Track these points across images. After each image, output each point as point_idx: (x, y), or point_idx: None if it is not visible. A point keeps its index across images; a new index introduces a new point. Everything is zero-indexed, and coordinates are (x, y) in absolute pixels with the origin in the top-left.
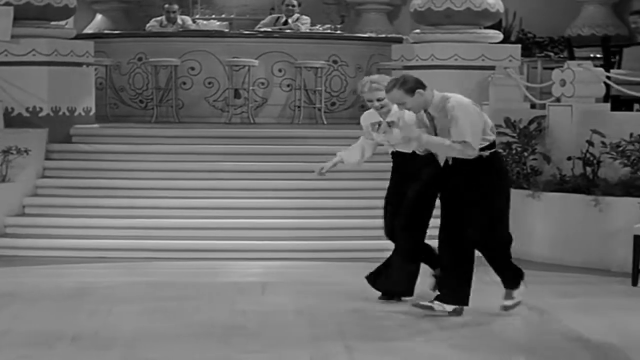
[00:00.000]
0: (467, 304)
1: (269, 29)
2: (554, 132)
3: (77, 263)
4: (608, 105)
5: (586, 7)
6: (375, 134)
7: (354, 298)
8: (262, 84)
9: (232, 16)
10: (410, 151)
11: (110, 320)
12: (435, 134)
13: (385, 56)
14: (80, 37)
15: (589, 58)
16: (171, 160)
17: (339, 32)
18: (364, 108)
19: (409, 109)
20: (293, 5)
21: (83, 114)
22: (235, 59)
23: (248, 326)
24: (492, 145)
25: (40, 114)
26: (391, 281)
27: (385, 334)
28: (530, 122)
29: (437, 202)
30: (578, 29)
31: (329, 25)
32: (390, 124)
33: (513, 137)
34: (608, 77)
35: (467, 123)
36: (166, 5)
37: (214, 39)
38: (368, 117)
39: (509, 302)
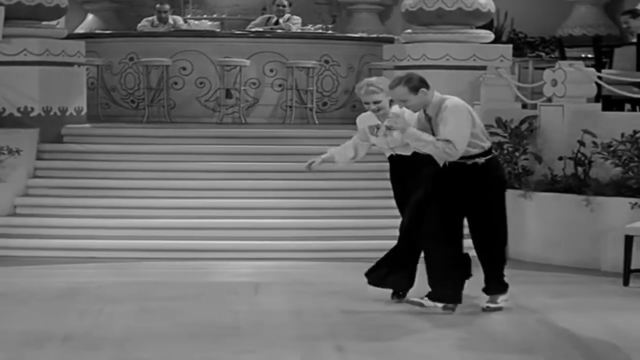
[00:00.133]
0: (459, 302)
1: (261, 29)
2: (546, 132)
3: (68, 263)
4: (599, 105)
5: (577, 7)
6: (374, 138)
7: (347, 298)
8: (254, 84)
9: (223, 16)
10: (409, 154)
11: (101, 320)
12: (432, 134)
13: (376, 56)
14: (72, 37)
15: (580, 58)
16: (163, 160)
17: (330, 32)
18: (356, 108)
19: (409, 107)
20: (284, 6)
21: (74, 114)
22: (227, 59)
23: (240, 326)
24: (487, 152)
25: (32, 114)
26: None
27: (377, 334)
28: (522, 122)
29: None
30: (569, 29)
31: (320, 25)
32: (389, 128)
33: (504, 137)
34: (599, 77)
35: (454, 124)
36: (157, 5)
37: (206, 39)
38: (365, 120)
39: (493, 305)
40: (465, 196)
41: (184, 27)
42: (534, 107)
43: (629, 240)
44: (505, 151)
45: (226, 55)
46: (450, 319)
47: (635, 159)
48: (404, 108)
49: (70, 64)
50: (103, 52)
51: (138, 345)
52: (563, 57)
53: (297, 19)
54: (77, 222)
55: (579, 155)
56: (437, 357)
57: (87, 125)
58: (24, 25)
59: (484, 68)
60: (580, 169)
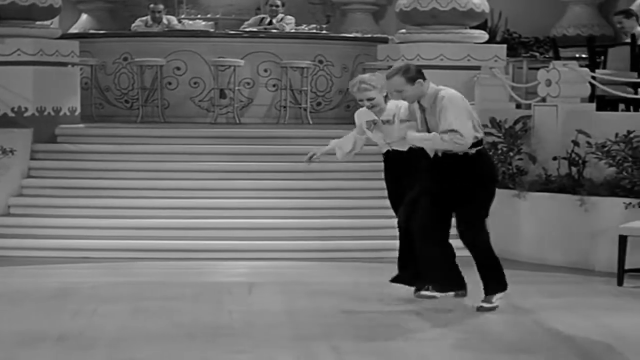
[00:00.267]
0: (464, 288)
1: (255, 29)
2: (540, 132)
3: (62, 263)
4: (593, 105)
5: (571, 8)
6: (371, 133)
7: (342, 298)
8: (248, 84)
9: (217, 16)
10: (406, 149)
11: (95, 321)
12: (426, 126)
13: (371, 56)
14: (66, 37)
15: (574, 58)
16: (157, 160)
17: (324, 32)
18: (350, 108)
19: (405, 98)
20: (277, 6)
21: (68, 113)
22: (221, 59)
23: (235, 326)
24: (479, 143)
25: (26, 114)
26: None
27: (373, 334)
28: (516, 122)
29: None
30: (563, 29)
31: (314, 25)
32: (385, 123)
33: (499, 137)
34: (593, 77)
35: (454, 113)
36: (151, 5)
37: (200, 39)
38: (363, 115)
39: (486, 305)
40: (455, 187)
41: (178, 27)
42: (528, 107)
43: (622, 240)
44: (500, 151)
45: (220, 55)
46: (446, 319)
47: (629, 159)
48: (400, 101)
49: (64, 64)
50: (97, 52)
51: (132, 346)
52: (557, 57)
53: (291, 19)
54: (71, 222)
55: (573, 155)
56: (433, 357)
57: (81, 125)
58: (17, 25)
59: (478, 68)
60: (574, 169)
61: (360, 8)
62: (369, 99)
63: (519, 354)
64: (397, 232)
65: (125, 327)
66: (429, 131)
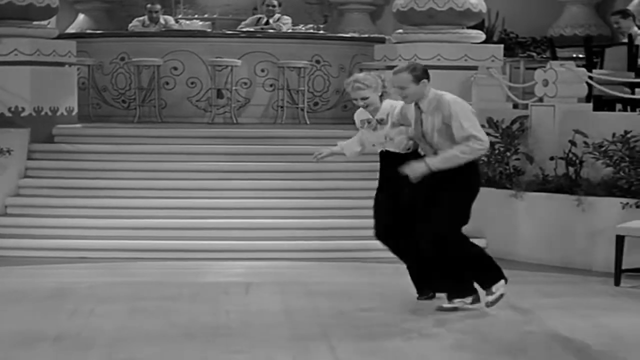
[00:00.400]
0: (475, 292)
1: (252, 29)
2: (537, 132)
3: (59, 263)
4: (590, 105)
5: (569, 8)
6: (366, 132)
7: (339, 298)
8: (245, 84)
9: (214, 16)
10: (400, 150)
11: (93, 321)
12: (421, 126)
13: (368, 56)
14: (63, 36)
15: (571, 58)
16: (154, 160)
17: (321, 32)
18: (347, 108)
19: (406, 95)
20: (273, 6)
21: (65, 113)
22: (218, 59)
23: (233, 326)
24: None
25: (23, 114)
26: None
27: (370, 335)
28: (513, 122)
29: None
30: (560, 29)
31: (311, 25)
32: (379, 122)
33: (496, 137)
34: (590, 77)
35: (466, 118)
36: (149, 5)
37: (197, 39)
38: (360, 114)
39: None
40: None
41: (175, 27)
42: (525, 107)
43: (620, 240)
44: (497, 151)
45: (217, 55)
46: (443, 319)
47: (626, 159)
48: (395, 102)
49: (62, 64)
50: (94, 52)
51: (130, 346)
52: (554, 57)
53: (287, 19)
54: (68, 222)
55: (570, 155)
56: (432, 357)
57: (78, 125)
58: (14, 25)
59: (475, 68)
60: (571, 169)
61: (358, 8)
62: (363, 98)
63: (517, 354)
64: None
65: (123, 327)
66: (422, 131)
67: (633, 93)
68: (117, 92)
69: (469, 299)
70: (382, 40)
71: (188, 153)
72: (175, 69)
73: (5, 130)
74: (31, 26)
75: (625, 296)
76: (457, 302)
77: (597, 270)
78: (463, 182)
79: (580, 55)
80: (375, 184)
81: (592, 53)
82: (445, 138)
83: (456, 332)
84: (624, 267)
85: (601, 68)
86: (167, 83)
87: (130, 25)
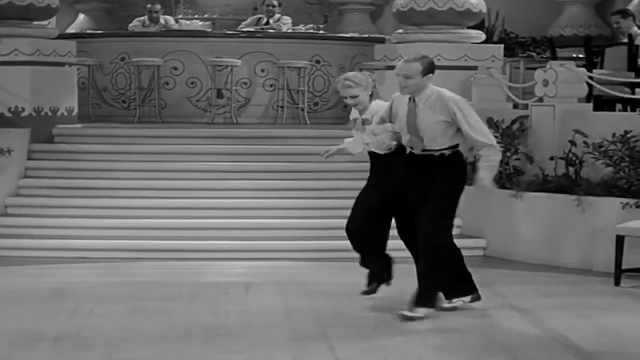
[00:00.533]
0: (477, 291)
1: (252, 29)
2: (537, 132)
3: (59, 263)
4: (590, 105)
5: (569, 7)
6: (354, 132)
7: (338, 298)
8: (245, 84)
9: (214, 16)
10: (382, 152)
11: (92, 321)
12: (414, 122)
13: (368, 56)
14: (63, 37)
15: (571, 58)
16: (154, 160)
17: (321, 32)
18: (347, 108)
19: (408, 85)
20: (273, 6)
21: (65, 114)
22: (218, 59)
23: (232, 326)
24: (456, 145)
25: (23, 114)
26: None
27: (369, 334)
28: (513, 122)
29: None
30: (560, 29)
31: (311, 25)
32: (364, 121)
33: (496, 137)
34: (590, 77)
35: (479, 123)
36: (149, 5)
37: (197, 39)
38: (352, 113)
39: (409, 313)
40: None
41: (175, 27)
42: (525, 107)
43: (620, 240)
44: None
45: (217, 55)
46: (442, 319)
47: (626, 159)
48: (382, 103)
49: (62, 64)
50: (94, 52)
51: (129, 346)
52: (554, 57)
53: (287, 19)
54: (68, 222)
55: (570, 155)
56: (430, 357)
57: (78, 125)
58: (14, 25)
59: (475, 68)
60: (571, 169)
61: (358, 8)
62: (352, 97)
63: (516, 354)
64: (395, 233)
65: (123, 327)
66: (415, 125)
67: (633, 93)
68: (117, 92)
69: (468, 298)
70: (382, 40)
71: (188, 153)
72: (175, 69)
73: (5, 130)
74: (31, 26)
75: (625, 296)
76: (456, 302)
77: (597, 270)
78: (454, 176)
79: (580, 55)
80: None
81: (592, 53)
82: (439, 134)
83: (456, 332)
84: (624, 267)
85: (601, 68)
86: (167, 83)
87: (130, 25)
